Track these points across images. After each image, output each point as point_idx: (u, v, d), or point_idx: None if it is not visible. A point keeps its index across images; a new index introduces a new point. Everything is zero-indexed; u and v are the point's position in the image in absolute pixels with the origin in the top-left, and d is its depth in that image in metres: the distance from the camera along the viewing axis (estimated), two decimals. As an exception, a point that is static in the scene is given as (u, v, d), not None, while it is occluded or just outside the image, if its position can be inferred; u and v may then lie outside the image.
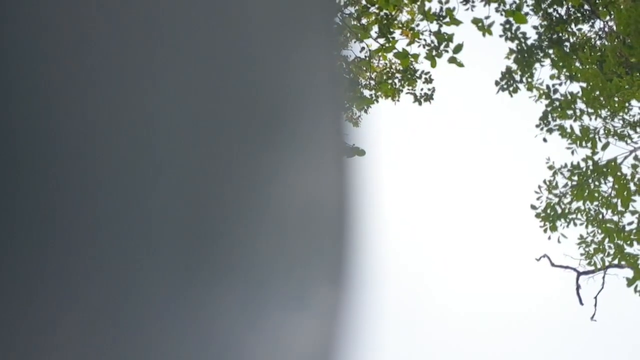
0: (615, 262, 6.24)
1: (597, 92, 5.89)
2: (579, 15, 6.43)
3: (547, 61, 6.46)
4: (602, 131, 6.18)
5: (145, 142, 0.24)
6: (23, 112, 0.21)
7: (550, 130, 6.37)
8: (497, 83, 6.57)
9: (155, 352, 0.25)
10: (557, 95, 6.39)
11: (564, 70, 6.33)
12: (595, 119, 6.17)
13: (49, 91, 0.22)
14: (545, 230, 6.36)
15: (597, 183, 6.21)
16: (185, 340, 0.26)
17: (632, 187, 6.13)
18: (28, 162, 0.22)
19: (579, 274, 6.66)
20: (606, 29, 6.42)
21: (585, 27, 6.56)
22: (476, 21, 5.43)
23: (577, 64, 6.19)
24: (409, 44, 5.82)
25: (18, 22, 0.21)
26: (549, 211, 6.33)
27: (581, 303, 6.81)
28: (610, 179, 6.17)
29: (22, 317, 0.22)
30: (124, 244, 0.24)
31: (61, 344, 0.23)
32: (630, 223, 6.16)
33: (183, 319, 0.26)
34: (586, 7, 6.32)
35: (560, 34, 6.40)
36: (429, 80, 6.53)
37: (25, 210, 0.22)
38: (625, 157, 6.24)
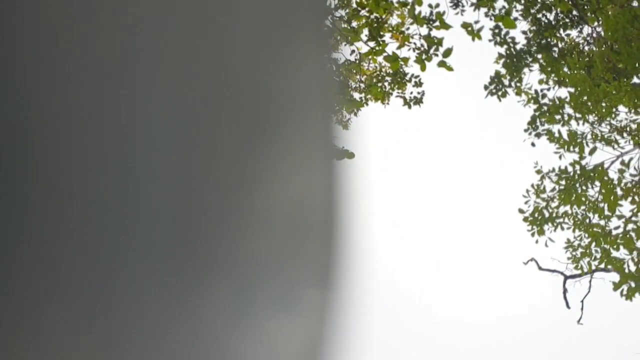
0: (602, 266, 6.28)
1: (585, 98, 5.92)
2: (567, 21, 6.48)
3: (536, 66, 6.50)
4: (589, 136, 6.21)
5: (135, 143, 0.24)
6: (15, 111, 0.21)
7: (538, 135, 6.40)
8: (486, 87, 6.60)
9: (142, 351, 0.25)
10: (546, 100, 6.43)
11: (552, 75, 6.37)
12: (583, 124, 6.21)
13: (43, 91, 0.22)
14: (532, 234, 6.39)
15: (584, 187, 6.25)
16: (173, 339, 0.26)
17: (619, 191, 6.17)
18: (19, 160, 0.22)
19: (566, 277, 6.70)
20: (594, 35, 6.47)
21: (573, 33, 6.61)
22: (466, 25, 5.45)
23: (565, 69, 6.23)
24: (399, 48, 5.83)
25: (13, 22, 0.21)
26: (536, 215, 6.36)
27: (568, 307, 6.85)
28: (597, 183, 6.21)
29: (8, 316, 0.22)
30: (112, 243, 0.24)
31: (47, 344, 0.22)
32: (617, 227, 6.20)
33: (171, 318, 0.26)
34: (575, 13, 6.36)
35: (549, 39, 6.44)
36: (418, 84, 6.55)
37: (15, 208, 0.22)
38: (612, 162, 6.28)
